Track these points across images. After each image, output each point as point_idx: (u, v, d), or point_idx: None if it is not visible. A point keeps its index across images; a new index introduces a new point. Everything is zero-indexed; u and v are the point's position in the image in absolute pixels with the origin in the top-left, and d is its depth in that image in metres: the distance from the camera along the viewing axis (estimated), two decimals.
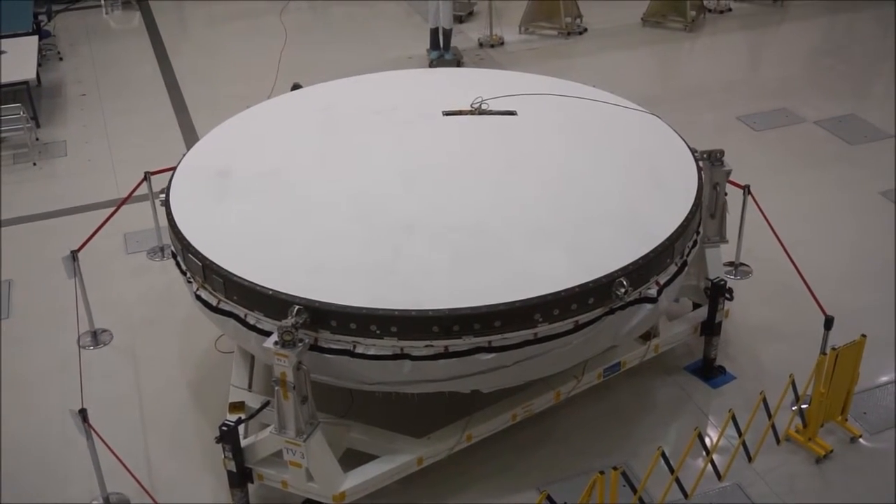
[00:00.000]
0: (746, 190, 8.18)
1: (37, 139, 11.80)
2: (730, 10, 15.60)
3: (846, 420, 6.91)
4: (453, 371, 5.72)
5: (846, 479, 6.58)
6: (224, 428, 5.88)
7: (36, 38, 13.33)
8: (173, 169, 7.17)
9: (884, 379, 7.44)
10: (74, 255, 7.75)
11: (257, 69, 13.40)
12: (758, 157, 10.66)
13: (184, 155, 7.39)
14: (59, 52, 14.67)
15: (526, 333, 5.65)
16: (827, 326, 6.84)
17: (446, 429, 6.36)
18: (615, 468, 5.75)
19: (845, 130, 11.39)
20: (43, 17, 15.50)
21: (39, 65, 13.16)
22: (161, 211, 7.01)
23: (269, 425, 5.90)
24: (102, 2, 16.65)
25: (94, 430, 6.12)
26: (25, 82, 12.04)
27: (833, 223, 9.54)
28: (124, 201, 8.90)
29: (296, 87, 8.53)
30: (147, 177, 8.84)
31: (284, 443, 5.70)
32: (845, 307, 7.49)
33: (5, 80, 11.97)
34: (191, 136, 11.55)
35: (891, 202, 9.79)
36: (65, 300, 7.97)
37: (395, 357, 5.62)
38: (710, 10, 15.43)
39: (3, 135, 11.51)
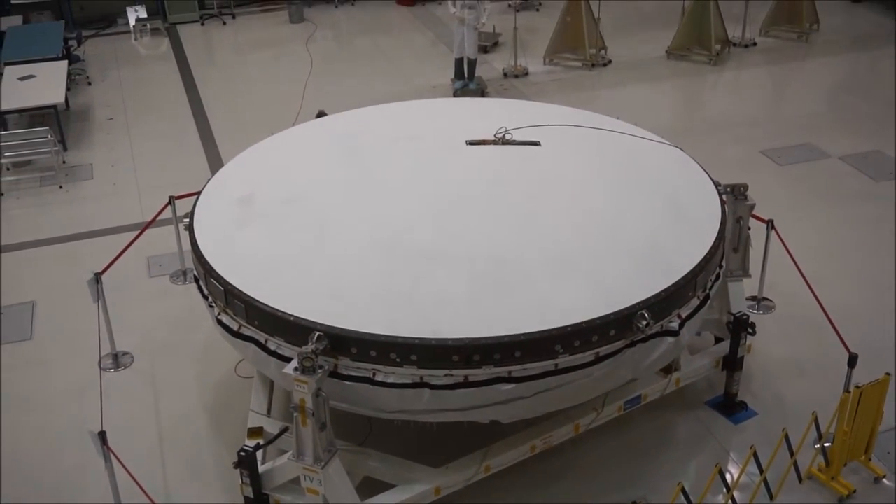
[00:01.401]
0: (770, 224, 8.15)
1: (63, 162, 11.93)
2: (755, 44, 15.63)
3: (870, 460, 6.82)
4: (473, 401, 5.69)
5: None
6: (242, 453, 5.88)
7: (65, 62, 13.56)
8: (198, 193, 7.23)
9: None
10: (98, 277, 7.80)
11: (283, 96, 13.54)
12: (781, 192, 10.62)
13: (208, 180, 7.44)
14: (87, 77, 14.88)
15: (546, 364, 5.62)
16: (851, 364, 6.77)
17: (464, 459, 6.33)
18: (635, 503, 5.69)
19: (870, 166, 11.33)
20: (73, 43, 15.73)
21: (68, 89, 13.35)
22: (185, 235, 7.06)
23: (287, 451, 5.88)
24: (132, 28, 16.89)
25: (112, 452, 6.13)
26: (54, 106, 12.21)
27: (857, 259, 9.46)
28: (148, 225, 8.97)
29: (320, 114, 8.59)
30: (171, 201, 8.91)
31: (302, 469, 5.68)
32: (869, 344, 7.43)
33: (34, 103, 12.16)
34: (216, 162, 11.65)
35: None
36: (87, 322, 8.01)
37: (414, 385, 5.60)
38: (734, 45, 15.45)
39: (31, 157, 11.64)
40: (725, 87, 14.54)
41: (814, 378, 7.70)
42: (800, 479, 6.72)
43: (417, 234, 6.38)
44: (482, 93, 13.68)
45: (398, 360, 5.54)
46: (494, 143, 7.50)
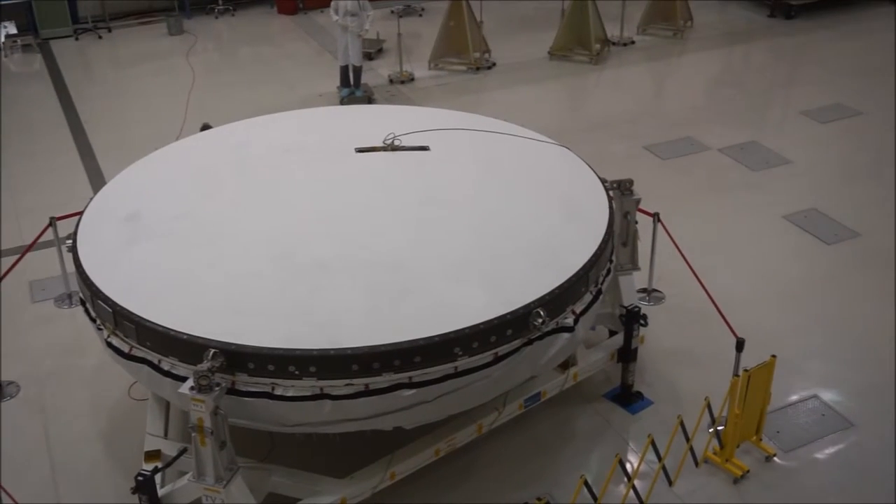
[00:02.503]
0: (656, 218, 8.37)
1: None
2: (633, 42, 16.04)
3: (761, 440, 7.07)
4: (375, 409, 5.67)
5: (764, 498, 6.73)
6: (140, 478, 5.71)
7: None
8: (80, 213, 7.01)
9: (794, 398, 7.64)
10: None
11: (165, 111, 13.25)
12: (666, 186, 10.92)
13: (91, 199, 7.22)
14: None
15: (446, 367, 5.64)
16: (738, 349, 7.01)
17: (369, 468, 6.30)
18: (539, 499, 5.78)
19: (747, 157, 11.76)
20: None
21: None
22: (68, 257, 6.84)
23: (186, 473, 5.75)
24: (1, 45, 16.25)
25: (3, 488, 5.90)
26: None
27: (740, 247, 9.81)
28: (29, 248, 8.66)
29: (205, 127, 8.44)
30: (52, 222, 8.63)
31: (204, 490, 5.57)
32: (756, 329, 7.70)
33: None
34: (97, 180, 11.30)
35: (793, 225, 10.12)
36: None
37: (314, 397, 5.55)
38: (614, 44, 15.82)
39: None
40: (607, 86, 14.89)
41: (705, 364, 7.94)
42: (696, 464, 6.92)
43: (311, 245, 6.33)
44: (369, 100, 13.66)
45: (297, 372, 5.48)
46: (384, 149, 7.50)
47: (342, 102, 13.50)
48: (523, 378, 6.40)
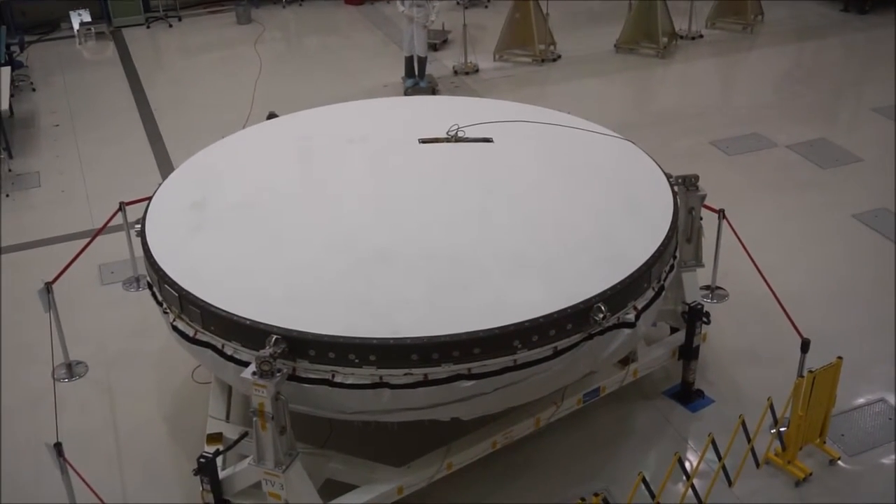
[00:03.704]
0: (721, 214, 8.25)
1: (9, 170, 11.72)
2: (701, 36, 15.81)
3: (824, 442, 6.94)
4: (433, 399, 5.69)
5: (826, 502, 6.60)
6: (202, 460, 5.82)
7: (8, 68, 13.31)
8: (149, 199, 7.14)
9: (860, 401, 7.48)
10: (49, 286, 7.68)
11: (232, 99, 13.42)
12: (731, 182, 10.76)
13: (159, 185, 7.35)
14: (31, 83, 14.61)
15: (505, 360, 5.64)
16: (803, 349, 6.89)
17: (426, 457, 6.33)
18: (596, 494, 5.74)
19: (816, 154, 11.53)
20: (15, 48, 15.44)
21: (12, 95, 13.10)
22: (136, 241, 6.97)
23: (247, 456, 5.85)
24: (76, 32, 16.62)
25: (69, 463, 6.04)
26: None
27: (807, 246, 9.63)
28: (99, 232, 8.85)
29: (271, 116, 8.53)
30: (122, 207, 8.80)
31: (263, 474, 5.64)
32: (821, 330, 7.55)
33: None
34: (166, 166, 11.51)
35: (863, 224, 9.90)
36: (39, 332, 7.89)
37: (374, 386, 5.59)
38: (681, 37, 15.62)
39: None
40: (674, 80, 14.69)
41: (768, 364, 7.82)
42: (757, 465, 6.82)
43: (372, 235, 6.37)
44: (433, 91, 13.68)
45: (357, 360, 5.52)
46: (447, 140, 7.51)
47: (406, 93, 13.54)
48: (582, 373, 6.37)
